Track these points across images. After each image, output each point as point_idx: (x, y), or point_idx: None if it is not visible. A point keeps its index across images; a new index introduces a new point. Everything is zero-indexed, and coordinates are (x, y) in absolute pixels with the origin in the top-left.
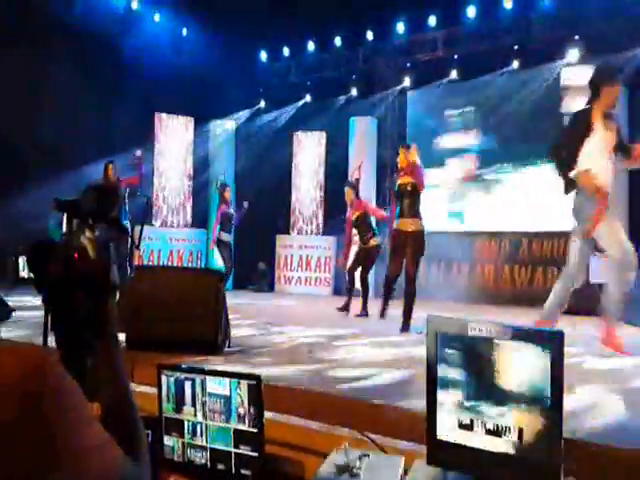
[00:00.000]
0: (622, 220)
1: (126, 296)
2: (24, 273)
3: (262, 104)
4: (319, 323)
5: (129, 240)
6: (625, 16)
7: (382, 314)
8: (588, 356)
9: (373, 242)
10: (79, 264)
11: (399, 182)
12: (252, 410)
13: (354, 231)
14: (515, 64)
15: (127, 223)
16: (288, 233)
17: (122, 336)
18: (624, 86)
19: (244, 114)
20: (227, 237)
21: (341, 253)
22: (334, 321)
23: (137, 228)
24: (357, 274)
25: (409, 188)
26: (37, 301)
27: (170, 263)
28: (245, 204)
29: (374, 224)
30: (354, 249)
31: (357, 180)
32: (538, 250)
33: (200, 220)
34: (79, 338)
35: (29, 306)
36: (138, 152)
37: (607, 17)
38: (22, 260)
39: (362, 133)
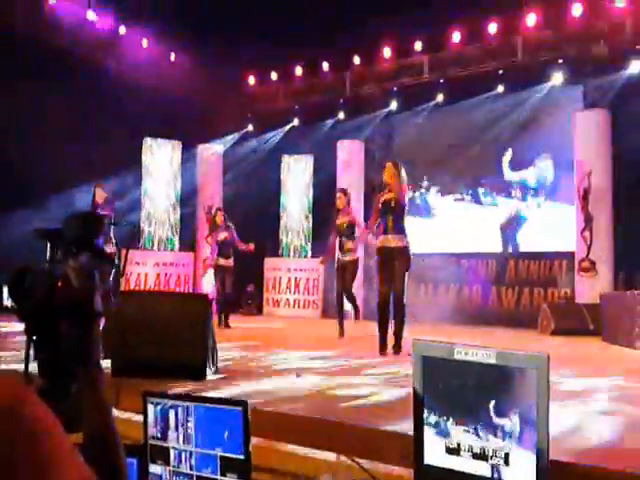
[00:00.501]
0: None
1: (111, 322)
2: (8, 302)
3: (250, 128)
4: (307, 346)
5: (114, 268)
6: (607, 41)
7: (383, 349)
8: (568, 377)
9: (351, 256)
10: (63, 292)
11: (384, 198)
12: (239, 437)
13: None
14: (500, 88)
15: (112, 250)
16: (277, 256)
17: (107, 362)
18: (607, 109)
19: (232, 138)
20: (224, 262)
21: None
22: (322, 344)
23: (122, 253)
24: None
25: (392, 204)
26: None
27: (157, 287)
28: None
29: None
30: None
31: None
32: (524, 271)
33: (188, 244)
34: (63, 366)
35: (16, 332)
36: (105, 190)
37: (590, 41)
38: (5, 289)
39: (349, 156)
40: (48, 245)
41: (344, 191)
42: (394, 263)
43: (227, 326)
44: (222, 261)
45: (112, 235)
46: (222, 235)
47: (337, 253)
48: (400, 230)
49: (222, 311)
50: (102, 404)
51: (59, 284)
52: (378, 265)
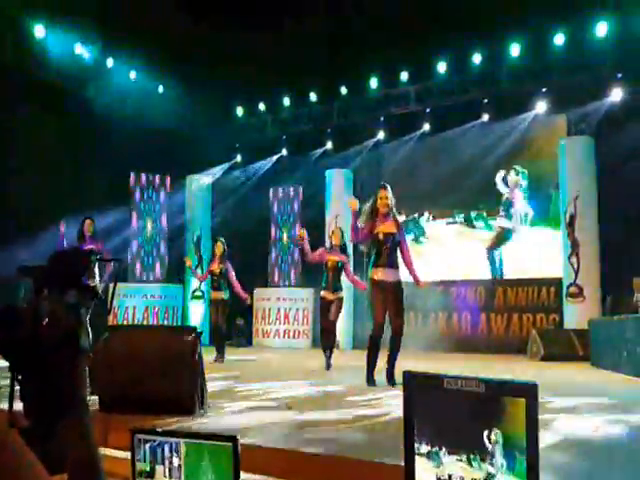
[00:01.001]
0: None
1: (99, 357)
2: None
3: (238, 158)
4: (298, 377)
5: (100, 304)
6: (589, 69)
7: (371, 380)
8: (558, 400)
9: (337, 295)
10: (49, 329)
11: (385, 230)
12: (229, 472)
13: (324, 275)
14: (485, 117)
15: (97, 286)
16: (266, 286)
17: (95, 398)
18: (590, 136)
19: (221, 168)
20: (215, 294)
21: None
22: (313, 375)
23: (109, 289)
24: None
25: (392, 238)
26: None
27: (145, 320)
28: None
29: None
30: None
31: None
32: (513, 298)
33: (176, 276)
34: (48, 404)
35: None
36: (93, 223)
37: (573, 70)
38: None
39: (338, 185)
40: (33, 282)
41: (342, 230)
42: (391, 297)
43: (221, 360)
44: (213, 294)
45: (97, 270)
46: (216, 266)
47: (322, 292)
48: (394, 263)
49: (216, 345)
50: (88, 441)
51: (45, 321)
52: (374, 296)
